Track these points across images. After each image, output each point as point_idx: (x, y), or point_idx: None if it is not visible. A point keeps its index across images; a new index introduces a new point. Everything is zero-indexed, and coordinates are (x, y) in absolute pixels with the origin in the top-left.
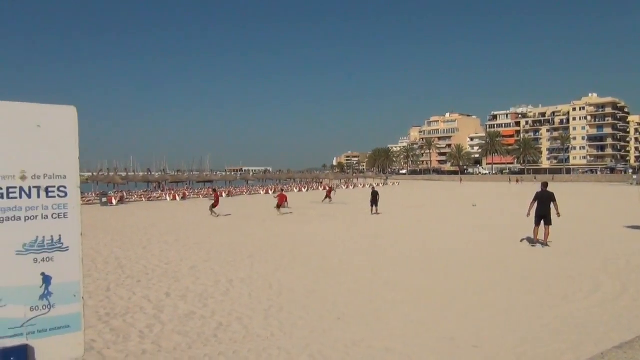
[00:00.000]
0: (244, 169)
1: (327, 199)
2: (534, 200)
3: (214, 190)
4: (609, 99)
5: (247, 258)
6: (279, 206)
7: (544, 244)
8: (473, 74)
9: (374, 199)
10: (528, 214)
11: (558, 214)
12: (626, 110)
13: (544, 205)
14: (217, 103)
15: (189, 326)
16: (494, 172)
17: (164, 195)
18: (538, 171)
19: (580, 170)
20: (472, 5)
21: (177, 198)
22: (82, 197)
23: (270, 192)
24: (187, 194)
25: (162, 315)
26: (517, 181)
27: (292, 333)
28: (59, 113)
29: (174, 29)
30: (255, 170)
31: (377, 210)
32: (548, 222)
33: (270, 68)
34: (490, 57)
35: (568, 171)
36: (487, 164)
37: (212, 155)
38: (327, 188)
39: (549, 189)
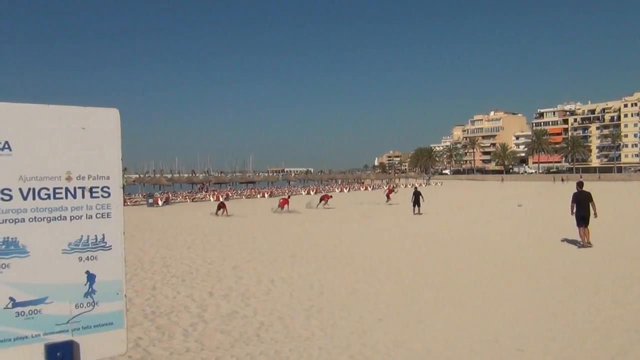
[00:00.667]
0: (285, 169)
1: (387, 199)
2: (573, 201)
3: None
4: None
5: (289, 258)
6: (281, 207)
7: (586, 244)
8: (518, 71)
9: (417, 199)
10: (572, 213)
11: (595, 215)
12: None
13: (583, 205)
14: (259, 104)
15: (231, 325)
16: (540, 171)
17: (207, 196)
18: (587, 170)
19: (633, 169)
20: (516, 3)
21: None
22: (129, 198)
23: (311, 192)
24: (230, 194)
25: (205, 314)
26: (562, 180)
27: (332, 333)
28: (103, 115)
29: (219, 31)
30: (296, 171)
31: (419, 210)
32: (587, 223)
33: (312, 69)
34: (536, 54)
35: (619, 170)
36: (533, 162)
37: (254, 157)
38: (389, 188)
39: (585, 188)
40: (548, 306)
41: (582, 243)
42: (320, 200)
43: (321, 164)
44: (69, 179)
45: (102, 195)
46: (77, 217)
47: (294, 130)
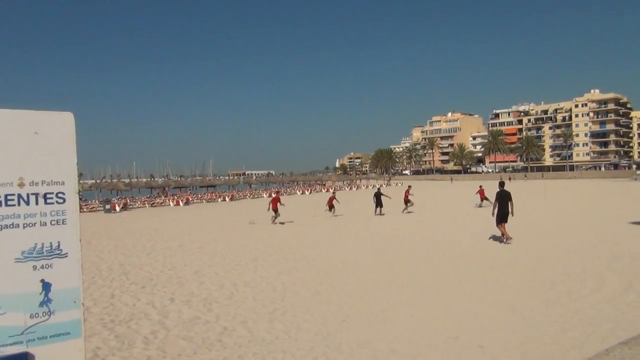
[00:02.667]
0: (246, 172)
1: (328, 210)
2: (496, 199)
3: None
4: (611, 95)
5: (251, 262)
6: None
7: (506, 240)
8: (474, 72)
9: (378, 200)
10: (493, 213)
11: (512, 213)
12: (629, 106)
13: (504, 204)
14: (219, 108)
15: (193, 331)
16: (497, 170)
17: (167, 201)
18: (541, 168)
19: (584, 167)
20: (472, 5)
21: (181, 203)
22: (85, 205)
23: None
24: (191, 199)
25: (166, 321)
26: (510, 179)
27: (296, 336)
28: (56, 119)
29: (174, 34)
30: (258, 174)
31: (381, 211)
32: (506, 220)
33: (271, 72)
34: (491, 56)
35: (572, 168)
36: (490, 162)
37: (214, 160)
38: (330, 198)
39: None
40: (507, 302)
41: (505, 239)
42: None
43: (283, 166)
44: (21, 185)
45: (56, 202)
46: (31, 225)
47: (255, 133)
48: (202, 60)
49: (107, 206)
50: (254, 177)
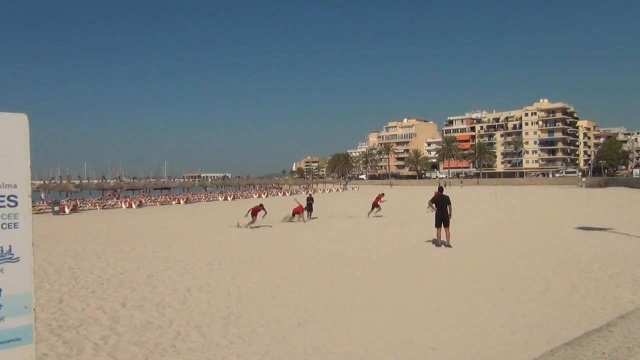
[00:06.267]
0: (202, 175)
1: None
2: (431, 201)
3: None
4: (559, 105)
5: (206, 265)
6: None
7: (447, 244)
8: (430, 79)
9: (309, 205)
10: (428, 207)
11: (450, 216)
12: (575, 115)
13: (441, 208)
14: (174, 108)
15: (145, 336)
16: (450, 176)
17: (119, 203)
18: (492, 175)
19: (533, 174)
20: (428, 13)
21: (133, 206)
22: (32, 206)
23: (228, 198)
24: (144, 201)
25: (117, 326)
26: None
27: (251, 340)
28: (9, 121)
29: (127, 32)
30: (213, 177)
31: (310, 215)
32: (447, 225)
33: (227, 74)
34: (446, 63)
35: (521, 174)
36: (444, 168)
37: (169, 162)
38: (253, 209)
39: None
40: (458, 305)
41: (439, 243)
42: (294, 214)
43: (239, 169)
44: None
45: (8, 205)
46: None
47: (211, 135)
48: (155, 60)
49: (56, 208)
50: (210, 180)
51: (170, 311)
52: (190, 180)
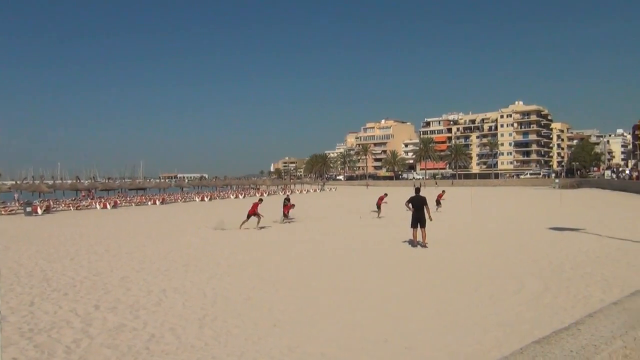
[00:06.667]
0: (178, 175)
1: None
2: (408, 202)
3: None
4: (533, 107)
5: (182, 267)
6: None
7: (423, 245)
8: (407, 81)
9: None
10: (407, 207)
11: (430, 218)
12: (549, 117)
13: (417, 209)
14: (150, 108)
15: (119, 339)
16: (427, 177)
17: (93, 203)
18: (468, 176)
19: (508, 175)
20: (406, 15)
21: (108, 207)
22: (4, 207)
23: (205, 199)
24: (119, 202)
25: (90, 329)
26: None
27: (226, 342)
28: None
29: (100, 32)
30: (190, 177)
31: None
32: (423, 225)
33: (205, 74)
34: (423, 65)
35: (496, 176)
36: (421, 169)
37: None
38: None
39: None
40: (433, 305)
41: (414, 243)
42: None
43: (216, 170)
44: None
45: None
46: None
47: (188, 136)
48: (131, 60)
49: (28, 209)
50: (186, 181)
51: (144, 313)
52: (167, 180)
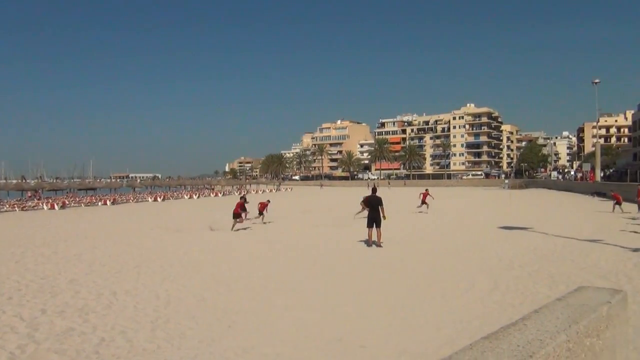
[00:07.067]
0: (130, 175)
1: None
2: (364, 201)
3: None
4: (484, 109)
5: (133, 269)
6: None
7: (378, 244)
8: (363, 82)
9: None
10: (362, 209)
11: (384, 217)
12: (499, 119)
13: (373, 209)
14: (101, 106)
15: (67, 344)
16: (382, 177)
17: (40, 204)
18: (422, 176)
19: (460, 175)
20: (362, 15)
21: (56, 207)
22: None
23: (158, 199)
24: (68, 202)
25: (36, 334)
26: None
27: (180, 344)
28: None
29: (54, 30)
30: (142, 177)
31: (246, 216)
32: (378, 225)
33: (158, 71)
34: (378, 66)
35: (449, 176)
36: (376, 169)
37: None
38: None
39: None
40: (387, 304)
41: (369, 243)
42: (260, 213)
43: (170, 169)
44: None
45: None
46: None
47: (141, 134)
48: (81, 56)
49: None
50: (139, 180)
51: (94, 317)
52: (118, 180)
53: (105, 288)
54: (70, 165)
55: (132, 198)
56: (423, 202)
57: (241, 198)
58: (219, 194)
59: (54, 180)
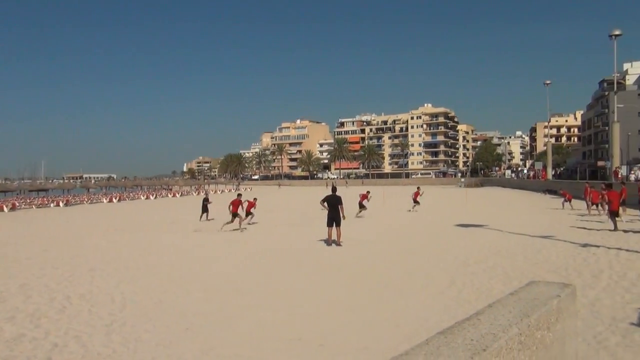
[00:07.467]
0: (84, 176)
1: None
2: (324, 201)
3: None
4: (441, 109)
5: (88, 272)
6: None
7: (338, 243)
8: (322, 81)
9: (204, 207)
10: (322, 206)
11: (343, 217)
12: (456, 119)
13: (332, 208)
14: (53, 105)
15: (17, 350)
16: (341, 176)
17: None
18: (381, 175)
19: (419, 174)
20: (319, 15)
21: (5, 209)
22: None
23: (114, 200)
24: (18, 204)
25: None
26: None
27: (136, 348)
28: None
29: (2, 26)
30: (97, 178)
31: (207, 217)
32: (338, 224)
33: (114, 69)
34: (338, 66)
35: (407, 175)
36: (335, 169)
37: (47, 162)
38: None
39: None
40: (346, 302)
41: (329, 242)
42: (248, 213)
43: (126, 169)
44: None
45: None
46: None
47: (95, 134)
48: (29, 54)
49: None
50: (93, 181)
51: (46, 322)
52: (71, 181)
53: (58, 292)
54: (21, 166)
55: (86, 199)
56: (414, 200)
57: (238, 195)
58: (177, 195)
59: (3, 181)
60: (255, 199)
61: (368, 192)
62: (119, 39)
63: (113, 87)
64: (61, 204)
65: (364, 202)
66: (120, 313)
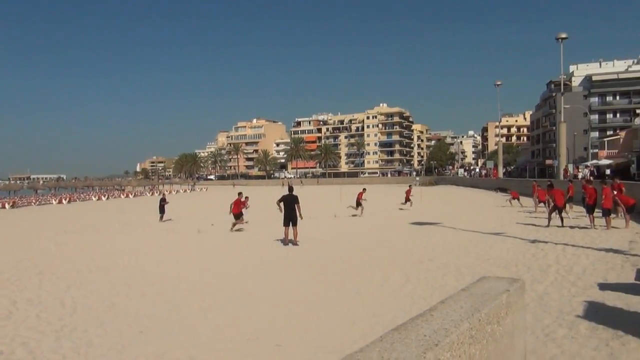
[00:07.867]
0: (32, 176)
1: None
2: (280, 201)
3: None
4: (396, 109)
5: (36, 276)
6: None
7: (295, 243)
8: (278, 80)
9: (161, 207)
10: (280, 210)
11: (300, 217)
12: (410, 119)
13: (289, 207)
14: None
15: None
16: (298, 176)
17: None
18: (337, 174)
19: (377, 173)
20: (274, 14)
21: None
22: None
23: (64, 201)
24: None
25: None
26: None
27: (87, 353)
28: None
29: None
30: (46, 178)
31: (163, 217)
32: (294, 224)
33: (63, 68)
34: (294, 65)
35: (364, 174)
36: (292, 168)
37: None
38: (243, 199)
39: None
40: (302, 301)
41: (286, 241)
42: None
43: (76, 170)
44: None
45: None
46: None
47: (43, 133)
48: None
49: None
50: (41, 182)
51: None
52: (18, 182)
53: (4, 297)
54: None
55: (34, 201)
56: (407, 199)
57: (239, 194)
58: (130, 195)
59: None
60: (246, 198)
61: (364, 189)
62: (68, 35)
63: (62, 84)
64: (7, 205)
65: (361, 201)
66: (70, 318)
